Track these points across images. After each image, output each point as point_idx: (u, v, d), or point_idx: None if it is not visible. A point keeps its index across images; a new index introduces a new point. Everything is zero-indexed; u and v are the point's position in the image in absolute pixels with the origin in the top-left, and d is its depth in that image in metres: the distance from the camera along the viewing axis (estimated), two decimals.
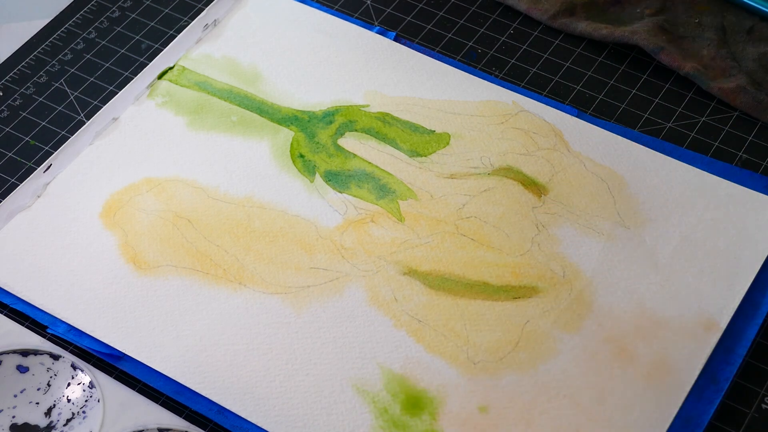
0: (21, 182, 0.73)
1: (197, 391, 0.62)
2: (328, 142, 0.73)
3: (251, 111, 0.75)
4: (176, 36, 0.80)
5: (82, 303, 0.66)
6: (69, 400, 0.63)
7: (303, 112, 0.75)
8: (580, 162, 0.71)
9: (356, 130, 0.73)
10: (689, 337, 0.63)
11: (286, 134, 0.74)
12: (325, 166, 0.72)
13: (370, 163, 0.72)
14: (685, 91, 0.75)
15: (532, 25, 0.80)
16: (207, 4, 0.82)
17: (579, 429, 0.60)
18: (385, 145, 0.73)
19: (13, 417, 0.62)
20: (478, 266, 0.67)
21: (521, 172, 0.71)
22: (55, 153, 0.73)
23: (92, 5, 0.83)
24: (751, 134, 0.73)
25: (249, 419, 0.61)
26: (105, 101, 0.77)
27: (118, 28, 0.81)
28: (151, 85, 0.77)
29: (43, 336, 0.65)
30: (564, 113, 0.73)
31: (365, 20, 0.80)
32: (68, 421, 0.62)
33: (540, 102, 0.74)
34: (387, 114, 0.74)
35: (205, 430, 0.62)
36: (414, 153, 0.72)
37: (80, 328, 0.65)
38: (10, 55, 0.80)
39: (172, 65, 0.78)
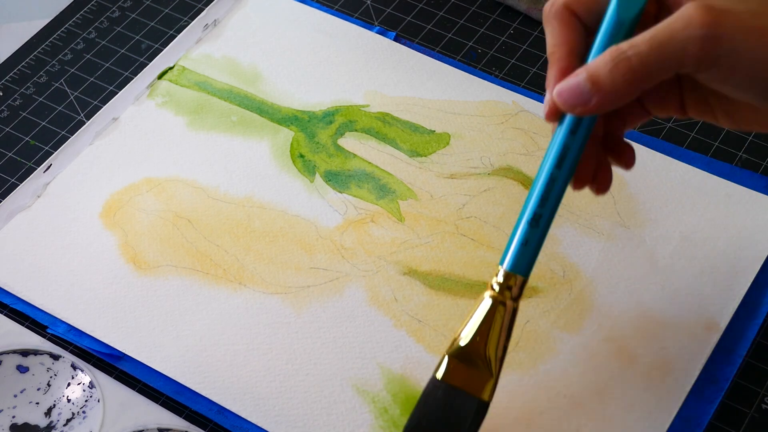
0: (21, 182, 0.72)
1: (197, 391, 0.62)
2: (328, 142, 0.73)
3: (251, 111, 0.75)
4: (176, 36, 0.80)
5: (82, 303, 0.66)
6: (69, 400, 0.63)
7: (303, 112, 0.75)
8: None
9: (356, 130, 0.73)
10: (689, 337, 0.63)
11: (286, 134, 0.74)
12: (325, 166, 0.72)
13: (370, 163, 0.72)
14: None
15: (532, 25, 0.80)
16: (207, 4, 0.82)
17: (579, 429, 0.60)
18: (385, 145, 0.73)
19: (13, 417, 0.62)
20: (478, 266, 0.67)
21: (521, 172, 0.71)
22: (55, 153, 0.73)
23: (92, 5, 0.83)
24: (751, 134, 0.73)
25: (249, 419, 0.61)
26: (105, 101, 0.77)
27: (118, 28, 0.81)
28: (151, 85, 0.77)
29: (43, 336, 0.65)
30: None
31: (365, 20, 0.80)
32: (68, 421, 0.62)
33: (540, 102, 0.74)
34: (387, 114, 0.74)
35: (205, 430, 0.62)
36: (414, 153, 0.72)
37: (80, 328, 0.65)
38: (10, 55, 0.80)
39: (172, 65, 0.77)
